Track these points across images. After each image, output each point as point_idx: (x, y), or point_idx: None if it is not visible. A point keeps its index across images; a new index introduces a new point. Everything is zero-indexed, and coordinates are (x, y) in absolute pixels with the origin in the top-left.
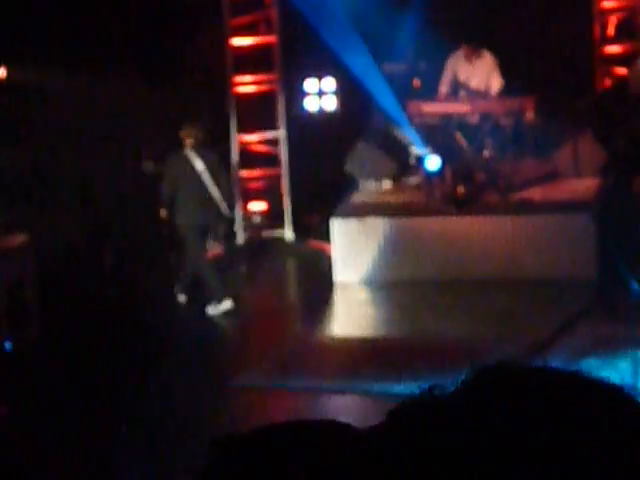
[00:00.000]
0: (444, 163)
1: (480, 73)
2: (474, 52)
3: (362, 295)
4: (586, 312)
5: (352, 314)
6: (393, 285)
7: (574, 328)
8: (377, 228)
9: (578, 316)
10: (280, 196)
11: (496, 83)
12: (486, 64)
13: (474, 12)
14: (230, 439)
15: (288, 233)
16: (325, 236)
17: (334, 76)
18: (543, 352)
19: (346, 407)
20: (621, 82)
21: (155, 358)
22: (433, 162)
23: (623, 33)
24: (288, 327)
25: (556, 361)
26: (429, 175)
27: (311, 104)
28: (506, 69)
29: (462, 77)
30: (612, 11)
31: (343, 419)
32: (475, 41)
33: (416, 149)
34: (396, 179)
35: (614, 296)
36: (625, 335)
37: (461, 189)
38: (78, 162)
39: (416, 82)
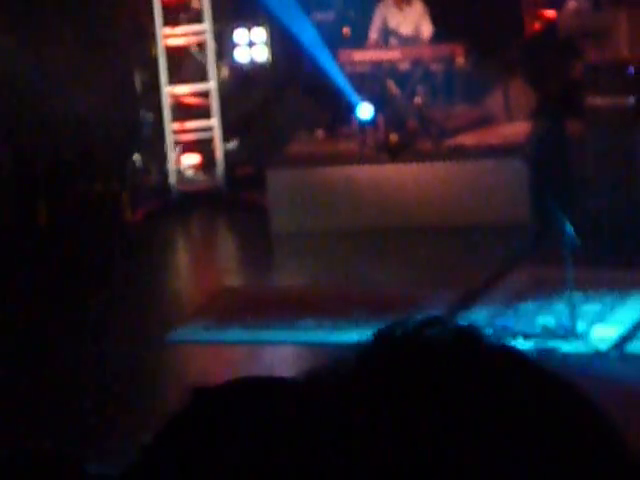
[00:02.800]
0: (376, 111)
1: (410, 19)
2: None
3: (298, 245)
4: (521, 256)
5: (288, 265)
6: (329, 234)
7: (510, 272)
8: (311, 178)
9: (514, 260)
10: (213, 148)
11: (426, 29)
12: (416, 10)
13: None
14: (205, 390)
15: (222, 185)
16: (260, 187)
17: (264, 26)
18: (480, 297)
19: (285, 358)
20: (550, 24)
21: (87, 313)
22: (365, 110)
23: None
24: (224, 279)
25: (493, 306)
26: (362, 124)
27: (242, 55)
28: (436, 15)
29: (392, 24)
30: None
31: (282, 370)
32: None
33: (348, 98)
34: (329, 128)
35: (549, 239)
36: (561, 278)
37: (394, 137)
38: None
39: (346, 30)
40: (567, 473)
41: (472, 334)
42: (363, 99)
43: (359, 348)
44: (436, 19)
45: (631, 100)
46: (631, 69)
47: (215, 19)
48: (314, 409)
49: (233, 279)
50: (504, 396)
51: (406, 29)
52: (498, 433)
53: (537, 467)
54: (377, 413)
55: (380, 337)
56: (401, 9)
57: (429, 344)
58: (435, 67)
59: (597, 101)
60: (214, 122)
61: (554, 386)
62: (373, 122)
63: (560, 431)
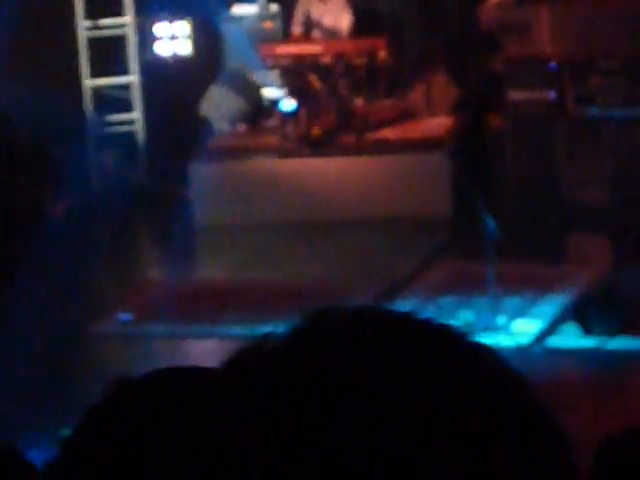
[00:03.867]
0: (298, 104)
1: (332, 12)
2: None
3: (221, 238)
4: (443, 250)
5: (212, 258)
6: (252, 228)
7: (431, 266)
8: (233, 171)
9: (435, 254)
10: (135, 141)
11: (348, 22)
12: (338, 3)
13: None
14: (126, 381)
15: (144, 178)
16: (183, 181)
17: (187, 19)
18: (401, 291)
19: (208, 351)
20: (472, 18)
21: (4, 307)
22: (287, 104)
23: None
24: (146, 273)
25: (414, 300)
26: (284, 117)
27: (164, 48)
28: (358, 7)
29: (315, 16)
30: None
31: (205, 364)
32: None
33: (270, 91)
34: (251, 121)
35: (470, 233)
36: (482, 272)
37: (316, 130)
38: None
39: (268, 24)
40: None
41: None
42: (286, 92)
43: (279, 336)
44: (358, 11)
45: (552, 95)
46: (552, 64)
47: (138, 12)
48: (233, 396)
49: (155, 272)
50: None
51: (328, 21)
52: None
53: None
54: (298, 399)
55: (302, 324)
56: (323, 1)
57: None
58: (357, 61)
59: (518, 95)
60: (136, 115)
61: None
62: (295, 115)
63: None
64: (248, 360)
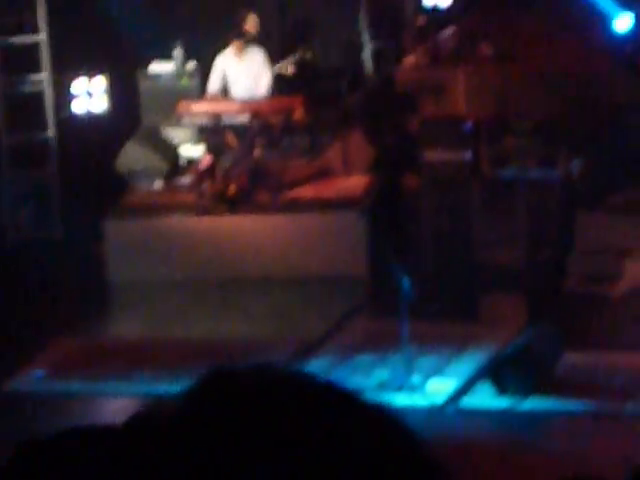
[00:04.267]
0: (215, 163)
1: (250, 71)
2: (245, 49)
3: (136, 296)
4: (358, 309)
5: (126, 315)
6: (167, 286)
7: (347, 325)
8: (149, 229)
9: (351, 313)
10: (51, 197)
11: (266, 81)
12: (257, 62)
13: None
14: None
15: (61, 234)
16: (98, 237)
17: (104, 75)
18: (316, 350)
19: (122, 410)
20: (388, 78)
21: None
22: (204, 161)
23: (388, 29)
24: (60, 330)
25: (329, 358)
26: (200, 174)
27: (81, 105)
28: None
29: (232, 75)
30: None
31: (121, 421)
32: (246, 38)
33: (187, 148)
34: (167, 179)
35: (386, 292)
36: (397, 331)
37: (232, 188)
38: None
39: (185, 81)
40: None
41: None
42: (202, 150)
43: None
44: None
45: (467, 155)
46: (468, 125)
47: (55, 68)
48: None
49: (69, 330)
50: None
51: (246, 79)
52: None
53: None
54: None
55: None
56: (241, 59)
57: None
58: (274, 119)
59: (434, 156)
60: (52, 171)
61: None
62: (211, 173)
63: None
64: (144, 422)
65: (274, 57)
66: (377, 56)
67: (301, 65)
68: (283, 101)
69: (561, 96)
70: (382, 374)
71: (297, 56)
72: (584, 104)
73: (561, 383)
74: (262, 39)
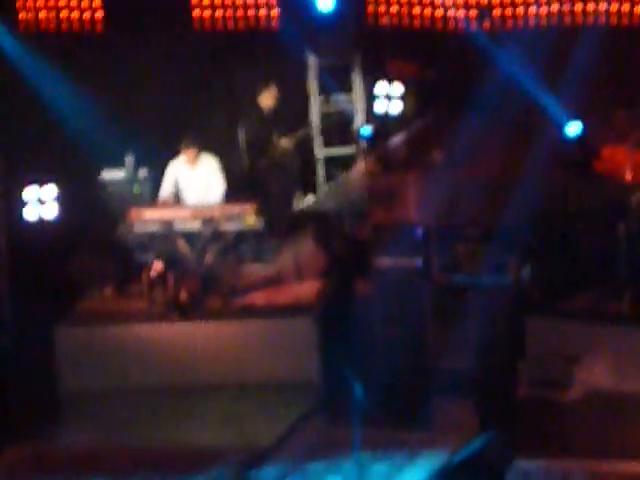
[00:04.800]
0: (166, 269)
1: (202, 178)
2: (196, 157)
3: (87, 403)
4: (311, 415)
5: (78, 423)
6: (119, 393)
7: (299, 432)
8: (100, 336)
9: (303, 419)
10: (1, 303)
11: (218, 188)
12: (208, 169)
13: (197, 116)
14: None
15: (10, 341)
16: (49, 344)
17: (56, 183)
18: (269, 457)
19: None
20: (342, 185)
21: None
22: (156, 268)
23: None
24: (10, 438)
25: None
26: (152, 281)
27: (31, 212)
28: (228, 174)
29: (184, 182)
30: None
31: None
32: (198, 146)
33: (139, 255)
34: (119, 285)
35: (338, 399)
36: (349, 438)
37: (184, 295)
38: None
39: (137, 188)
40: None
41: None
42: (154, 257)
43: None
44: (228, 177)
45: (418, 262)
46: (418, 231)
47: (6, 176)
48: None
49: (20, 438)
50: None
51: (197, 187)
52: None
53: None
54: None
55: None
56: (193, 167)
57: None
58: (226, 226)
59: (385, 262)
60: (2, 277)
61: None
62: (163, 280)
63: None
64: None
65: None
66: (328, 163)
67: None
68: (235, 207)
69: (513, 202)
70: None
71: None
72: (535, 210)
73: None
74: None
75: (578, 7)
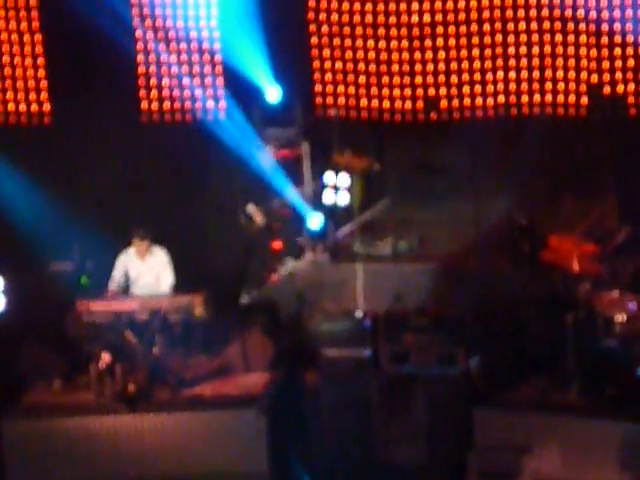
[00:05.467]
0: (114, 361)
1: (151, 270)
2: (147, 249)
3: None
4: None
5: None
6: None
7: None
8: (48, 429)
9: None
10: None
11: (167, 280)
12: (158, 261)
13: (145, 210)
14: None
15: None
16: None
17: (2, 274)
18: None
19: None
20: (290, 275)
21: None
22: (104, 359)
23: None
24: None
25: None
26: (100, 373)
27: None
28: (177, 265)
29: (133, 274)
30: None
31: None
32: (148, 238)
33: (87, 346)
34: (67, 377)
35: None
36: None
37: (131, 387)
38: None
39: (84, 279)
40: None
41: None
42: (102, 348)
43: None
44: (177, 268)
45: (367, 352)
46: (367, 321)
47: None
48: None
49: None
50: None
51: (147, 279)
52: None
53: None
54: None
55: None
56: (143, 259)
57: None
58: (174, 317)
59: (333, 352)
60: None
61: None
62: (111, 371)
63: None
64: None
65: None
66: (275, 254)
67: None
68: (184, 299)
69: (460, 292)
70: None
71: None
72: (482, 301)
73: None
74: None
75: (524, 98)
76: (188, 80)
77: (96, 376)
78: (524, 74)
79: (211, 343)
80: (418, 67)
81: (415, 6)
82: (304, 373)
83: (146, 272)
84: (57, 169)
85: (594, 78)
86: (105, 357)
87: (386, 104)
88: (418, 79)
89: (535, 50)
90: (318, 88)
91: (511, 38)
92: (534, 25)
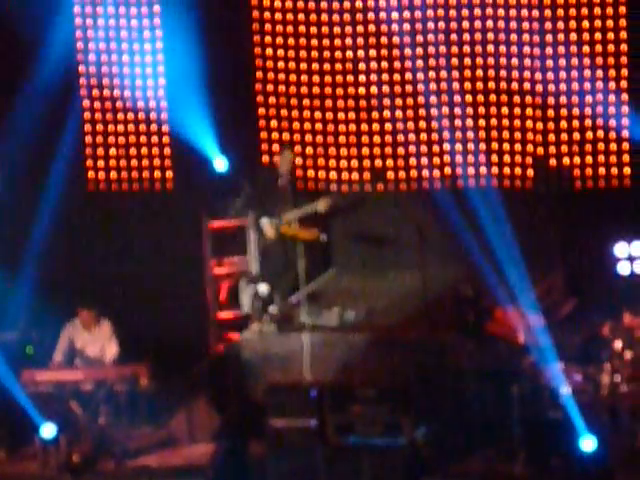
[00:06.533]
0: (59, 431)
1: (97, 341)
2: (92, 320)
3: None
4: None
5: None
6: None
7: None
8: None
9: None
10: None
11: (112, 350)
12: (103, 332)
13: (92, 280)
14: None
15: None
16: None
17: None
18: None
19: None
20: (234, 347)
21: None
22: (48, 430)
23: (234, 299)
24: None
25: None
26: (44, 443)
27: None
28: (121, 334)
29: (79, 345)
30: (223, 277)
31: None
32: (93, 309)
33: (31, 417)
34: (11, 447)
35: None
36: None
37: (76, 457)
38: None
39: (29, 349)
40: None
41: None
42: (46, 419)
43: None
44: (121, 337)
45: (313, 422)
46: (314, 392)
47: None
48: None
49: None
50: None
51: (92, 350)
52: None
53: None
54: None
55: None
56: (89, 330)
57: None
58: (119, 387)
59: (279, 423)
60: None
61: None
62: (56, 442)
63: None
64: None
65: None
66: (221, 324)
67: None
68: (129, 369)
69: (406, 363)
70: None
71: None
72: (428, 372)
73: None
74: None
75: (470, 170)
76: (135, 150)
77: (41, 446)
78: (470, 146)
79: (156, 413)
80: (365, 138)
81: (362, 78)
82: (250, 443)
83: (91, 342)
84: (5, 235)
85: (540, 150)
86: (50, 427)
87: (333, 175)
88: (365, 150)
89: (482, 122)
90: (265, 158)
91: (458, 110)
92: (480, 97)
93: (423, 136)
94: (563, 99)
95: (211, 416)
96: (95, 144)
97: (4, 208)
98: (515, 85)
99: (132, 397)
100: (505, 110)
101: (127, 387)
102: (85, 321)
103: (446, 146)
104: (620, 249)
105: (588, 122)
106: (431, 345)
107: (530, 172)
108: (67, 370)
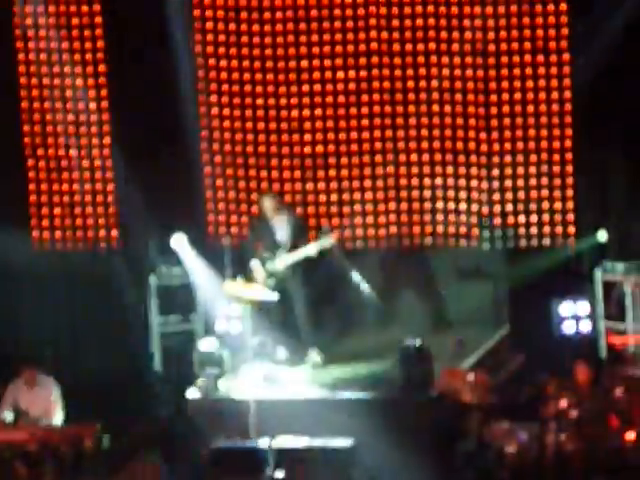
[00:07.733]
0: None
1: (41, 401)
2: (36, 380)
3: None
4: None
5: None
6: None
7: None
8: None
9: None
10: None
11: (57, 411)
12: (47, 392)
13: (36, 339)
14: None
15: None
16: None
17: None
18: None
19: None
20: (180, 409)
21: None
22: None
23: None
24: None
25: None
26: None
27: None
28: (67, 395)
29: (23, 404)
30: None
31: None
32: (37, 369)
33: None
34: None
35: None
36: None
37: None
38: None
39: None
40: None
41: None
42: None
43: None
44: (69, 401)
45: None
46: (263, 451)
47: None
48: None
49: None
50: None
51: (37, 408)
52: None
53: None
54: None
55: None
56: (32, 389)
57: None
58: (64, 448)
59: None
60: None
61: None
62: None
63: None
64: None
65: None
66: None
67: None
68: (74, 430)
69: (352, 421)
70: None
71: None
72: (373, 430)
73: None
74: None
75: (416, 229)
76: (80, 209)
77: None
78: (415, 205)
79: (101, 474)
80: (310, 197)
81: (308, 137)
82: None
83: (35, 403)
84: None
85: (485, 209)
86: None
87: None
88: (311, 209)
89: (426, 181)
90: (210, 218)
91: (403, 169)
92: (426, 157)
93: (368, 194)
94: (508, 158)
95: (156, 476)
96: (39, 203)
97: None
98: (460, 144)
99: (77, 458)
100: (450, 169)
101: (72, 448)
102: (28, 381)
103: (392, 204)
104: (565, 308)
105: (533, 181)
106: (374, 404)
107: (475, 231)
108: (10, 430)
